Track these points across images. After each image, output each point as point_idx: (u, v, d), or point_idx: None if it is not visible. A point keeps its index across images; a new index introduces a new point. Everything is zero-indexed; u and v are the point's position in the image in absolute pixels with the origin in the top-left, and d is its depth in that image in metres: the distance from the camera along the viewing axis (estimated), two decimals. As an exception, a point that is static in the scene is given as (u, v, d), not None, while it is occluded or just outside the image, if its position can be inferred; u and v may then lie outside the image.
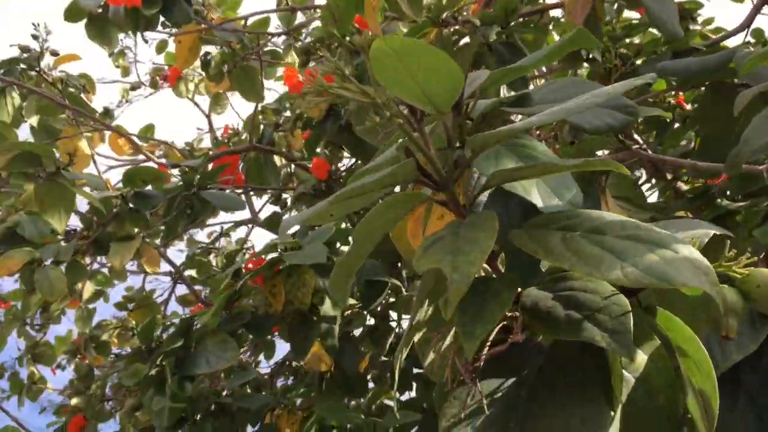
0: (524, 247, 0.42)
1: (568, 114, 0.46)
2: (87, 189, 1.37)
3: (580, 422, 0.39)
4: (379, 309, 1.94)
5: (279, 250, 1.29)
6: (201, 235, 2.74)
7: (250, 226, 2.69)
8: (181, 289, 2.74)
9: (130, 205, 1.57)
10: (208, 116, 2.61)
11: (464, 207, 0.46)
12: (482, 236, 0.39)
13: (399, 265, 1.58)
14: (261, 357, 2.35)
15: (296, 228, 1.66)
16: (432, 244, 0.42)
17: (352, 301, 1.66)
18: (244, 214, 2.60)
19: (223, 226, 2.50)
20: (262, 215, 2.45)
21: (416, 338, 0.51)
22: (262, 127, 2.07)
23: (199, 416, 1.19)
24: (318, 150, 1.82)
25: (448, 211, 0.66)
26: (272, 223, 2.16)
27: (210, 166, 1.70)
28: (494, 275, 0.45)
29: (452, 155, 0.44)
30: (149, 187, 1.58)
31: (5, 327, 2.15)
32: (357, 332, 1.82)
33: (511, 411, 0.42)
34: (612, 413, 0.40)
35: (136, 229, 1.56)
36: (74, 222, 1.73)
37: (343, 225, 1.50)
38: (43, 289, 1.37)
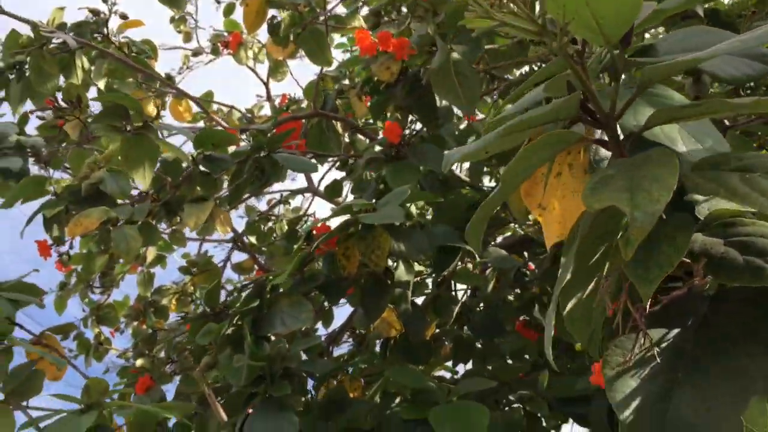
0: (699, 190, 0.40)
1: (712, 55, 0.43)
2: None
3: (756, 369, 0.37)
4: (440, 278, 1.92)
5: (354, 210, 1.28)
6: (260, 205, 2.75)
7: (306, 195, 2.69)
8: (237, 257, 2.77)
9: (201, 168, 1.57)
10: (266, 84, 2.60)
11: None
12: (664, 173, 0.36)
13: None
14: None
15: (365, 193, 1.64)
16: (599, 182, 0.39)
17: (418, 268, 1.65)
18: (302, 183, 2.61)
19: (282, 194, 2.50)
20: (322, 185, 2.45)
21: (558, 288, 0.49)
22: (323, 94, 2.05)
23: (277, 376, 1.19)
24: (386, 115, 1.80)
25: (567, 169, 0.63)
26: (334, 191, 2.16)
27: (275, 131, 1.70)
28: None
29: (617, 90, 0.42)
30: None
31: (69, 290, 2.19)
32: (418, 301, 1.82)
33: (678, 359, 0.39)
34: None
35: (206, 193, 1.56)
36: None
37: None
38: (120, 248, 1.38)
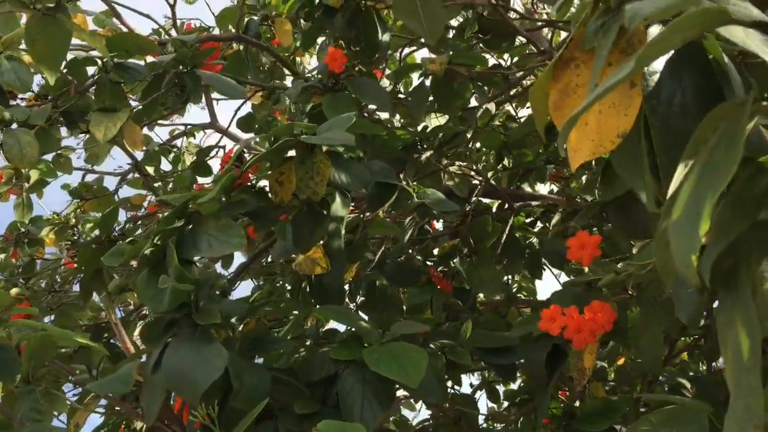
0: None
1: None
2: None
3: None
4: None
5: (294, 132, 1.17)
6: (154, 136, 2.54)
7: (207, 131, 2.52)
8: (126, 192, 2.56)
9: (111, 77, 1.40)
10: (172, 6, 2.39)
11: None
12: None
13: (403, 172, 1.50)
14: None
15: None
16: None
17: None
18: (205, 117, 2.43)
19: (186, 126, 2.32)
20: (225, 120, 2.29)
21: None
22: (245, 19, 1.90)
23: (202, 303, 1.07)
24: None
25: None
26: (248, 124, 2.02)
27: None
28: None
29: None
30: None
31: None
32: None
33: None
34: None
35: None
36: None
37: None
38: (12, 153, 1.19)
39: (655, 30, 0.53)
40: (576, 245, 0.98)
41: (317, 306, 1.50)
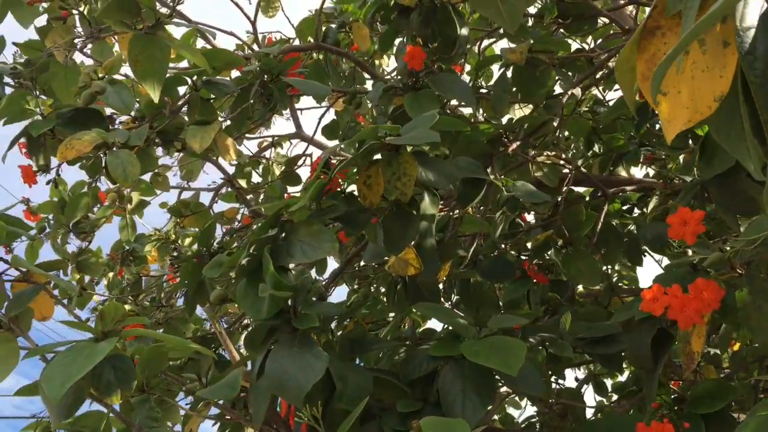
0: None
1: None
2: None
3: None
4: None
5: (379, 135, 1.18)
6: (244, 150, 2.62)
7: (293, 141, 2.58)
8: (220, 206, 2.65)
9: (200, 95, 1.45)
10: (253, 23, 2.46)
11: None
12: None
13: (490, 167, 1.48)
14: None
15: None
16: None
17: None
18: (291, 128, 2.49)
19: (274, 138, 2.38)
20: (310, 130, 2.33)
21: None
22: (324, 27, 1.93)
23: (300, 308, 1.09)
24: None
25: (697, 46, 0.55)
26: (332, 131, 2.05)
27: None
28: None
29: None
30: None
31: (48, 234, 2.04)
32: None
33: None
34: None
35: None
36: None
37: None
38: (116, 173, 1.25)
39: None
40: (677, 222, 0.93)
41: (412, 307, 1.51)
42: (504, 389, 1.51)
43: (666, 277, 1.18)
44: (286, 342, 1.06)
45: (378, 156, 1.23)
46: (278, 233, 1.17)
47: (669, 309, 0.95)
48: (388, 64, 2.25)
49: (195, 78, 1.42)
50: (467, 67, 2.07)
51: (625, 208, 2.04)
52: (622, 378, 2.10)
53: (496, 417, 2.08)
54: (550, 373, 1.67)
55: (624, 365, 1.67)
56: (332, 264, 2.63)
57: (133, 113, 1.45)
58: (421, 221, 1.26)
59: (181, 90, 1.45)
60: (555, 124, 1.76)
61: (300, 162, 2.03)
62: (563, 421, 1.57)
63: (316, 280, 1.65)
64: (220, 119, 1.48)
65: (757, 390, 1.24)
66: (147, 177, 2.07)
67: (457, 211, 1.56)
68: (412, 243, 1.38)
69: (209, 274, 1.19)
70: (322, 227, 1.16)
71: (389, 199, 1.21)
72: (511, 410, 2.44)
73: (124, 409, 1.04)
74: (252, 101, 1.40)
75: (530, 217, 2.12)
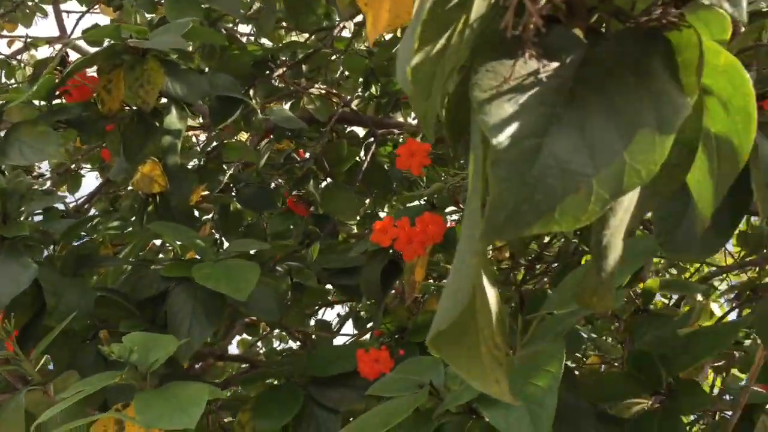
0: None
1: None
2: None
3: (651, 100, 0.32)
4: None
5: (123, 36, 1.08)
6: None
7: (56, 45, 2.33)
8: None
9: None
10: None
11: None
12: None
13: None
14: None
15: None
16: None
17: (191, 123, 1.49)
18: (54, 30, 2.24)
19: (29, 38, 2.12)
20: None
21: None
22: None
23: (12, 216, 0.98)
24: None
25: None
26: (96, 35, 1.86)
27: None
28: None
29: None
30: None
31: None
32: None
33: (557, 96, 0.33)
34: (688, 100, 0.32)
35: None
36: None
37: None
38: None
39: None
40: (405, 153, 0.95)
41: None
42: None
43: (406, 211, 1.23)
44: (-11, 250, 0.95)
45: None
46: (-5, 131, 1.04)
47: (396, 240, 0.99)
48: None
49: None
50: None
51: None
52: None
53: (235, 340, 2.05)
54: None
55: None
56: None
57: None
58: (166, 135, 1.19)
59: None
60: (332, 58, 1.75)
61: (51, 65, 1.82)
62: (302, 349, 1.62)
63: (34, 185, 1.48)
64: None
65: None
66: None
67: (217, 133, 1.50)
68: (161, 159, 1.31)
69: None
70: (49, 129, 1.06)
71: (131, 106, 1.12)
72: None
73: None
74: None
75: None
